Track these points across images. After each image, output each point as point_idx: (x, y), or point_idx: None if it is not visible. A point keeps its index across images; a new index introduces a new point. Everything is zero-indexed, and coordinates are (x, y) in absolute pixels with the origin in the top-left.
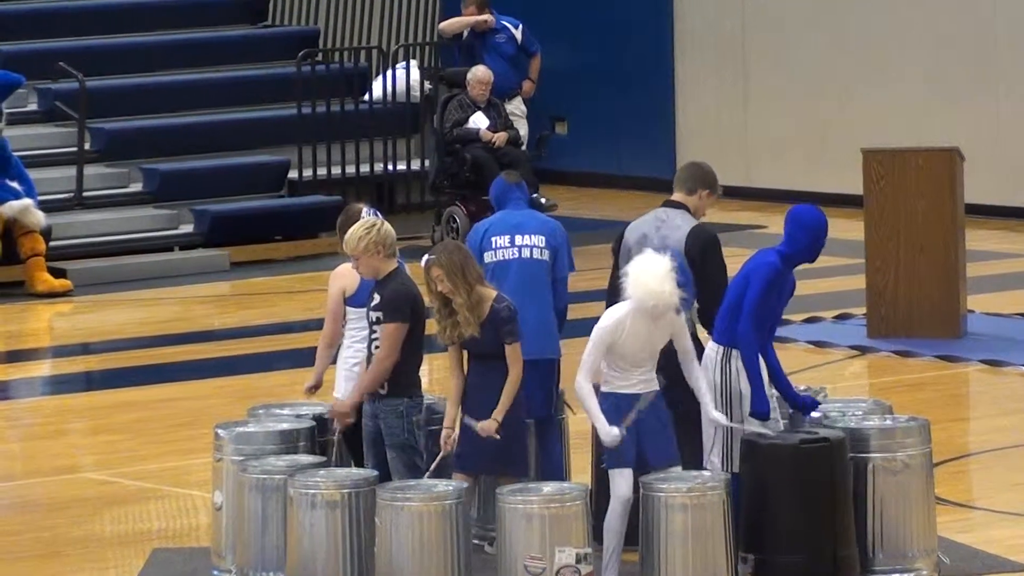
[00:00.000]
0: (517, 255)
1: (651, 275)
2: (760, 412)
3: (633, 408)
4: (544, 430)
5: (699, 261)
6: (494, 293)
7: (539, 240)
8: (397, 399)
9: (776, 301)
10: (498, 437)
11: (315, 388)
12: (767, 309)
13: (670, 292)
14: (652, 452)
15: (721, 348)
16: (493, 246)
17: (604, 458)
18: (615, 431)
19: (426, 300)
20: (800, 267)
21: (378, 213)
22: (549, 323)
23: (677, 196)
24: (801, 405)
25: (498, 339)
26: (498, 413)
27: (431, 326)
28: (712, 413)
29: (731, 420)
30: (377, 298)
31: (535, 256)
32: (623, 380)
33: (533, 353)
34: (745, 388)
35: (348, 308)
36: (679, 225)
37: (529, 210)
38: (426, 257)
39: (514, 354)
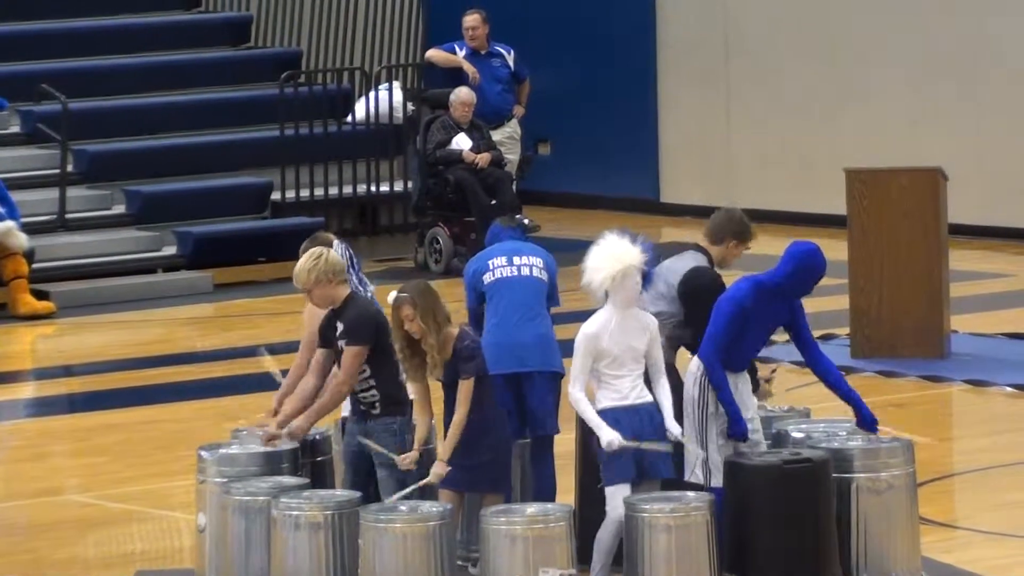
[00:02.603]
0: (518, 272)
1: (608, 251)
2: (737, 433)
3: (642, 440)
4: (540, 449)
5: (688, 302)
6: (456, 332)
7: (538, 261)
8: (390, 418)
9: (759, 328)
10: (445, 472)
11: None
12: (747, 338)
13: (632, 253)
14: (651, 465)
15: (702, 364)
16: (491, 267)
17: (603, 476)
18: (616, 437)
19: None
20: None
21: (348, 246)
22: (550, 338)
23: (704, 242)
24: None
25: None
26: (444, 451)
27: None
28: (668, 424)
29: (705, 434)
30: (340, 326)
31: (534, 274)
32: (614, 392)
33: (536, 365)
34: (719, 404)
35: None
36: (686, 264)
37: (522, 242)
38: (394, 295)
39: (465, 390)
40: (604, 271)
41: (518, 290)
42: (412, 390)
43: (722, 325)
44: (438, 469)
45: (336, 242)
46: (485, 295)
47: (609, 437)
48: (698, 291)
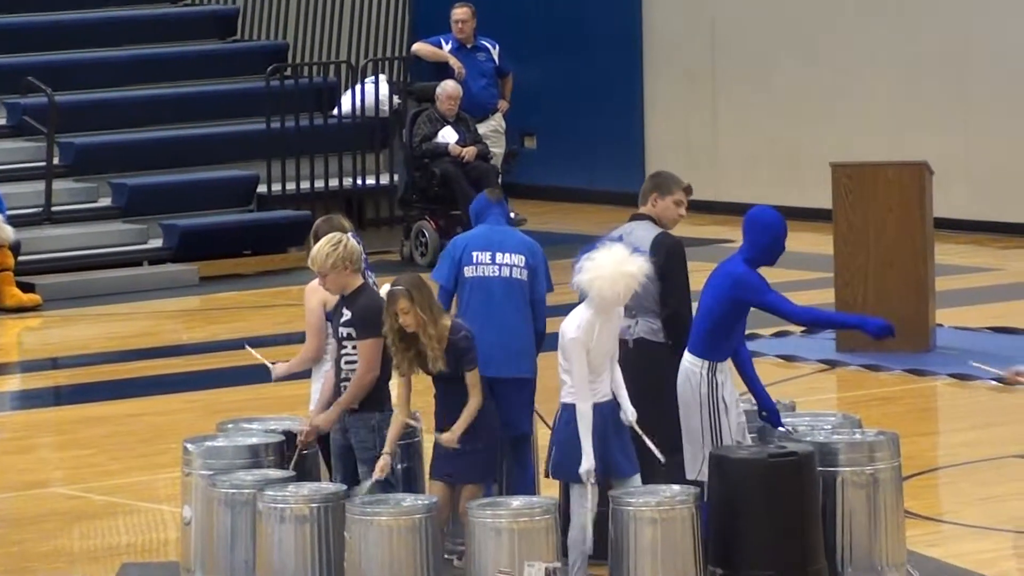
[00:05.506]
0: (498, 273)
1: (620, 265)
2: (772, 412)
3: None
4: (519, 446)
5: (663, 267)
6: (449, 323)
7: (519, 259)
8: (368, 413)
9: (744, 310)
10: (458, 447)
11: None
12: (736, 323)
13: (642, 265)
14: (616, 464)
15: (705, 362)
16: (474, 261)
17: (557, 467)
18: (591, 466)
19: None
20: (770, 280)
21: (359, 236)
22: (526, 342)
23: (640, 209)
24: (769, 409)
25: (458, 367)
26: (457, 428)
27: None
28: (625, 406)
29: (718, 431)
30: (347, 314)
31: (515, 276)
32: (590, 392)
33: (511, 372)
34: (729, 398)
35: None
36: (643, 236)
37: (508, 227)
38: (388, 287)
39: (474, 380)
40: (619, 285)
41: (496, 294)
42: (397, 383)
43: (722, 313)
44: (450, 437)
45: (349, 232)
46: (460, 284)
47: (588, 467)
48: (669, 253)
